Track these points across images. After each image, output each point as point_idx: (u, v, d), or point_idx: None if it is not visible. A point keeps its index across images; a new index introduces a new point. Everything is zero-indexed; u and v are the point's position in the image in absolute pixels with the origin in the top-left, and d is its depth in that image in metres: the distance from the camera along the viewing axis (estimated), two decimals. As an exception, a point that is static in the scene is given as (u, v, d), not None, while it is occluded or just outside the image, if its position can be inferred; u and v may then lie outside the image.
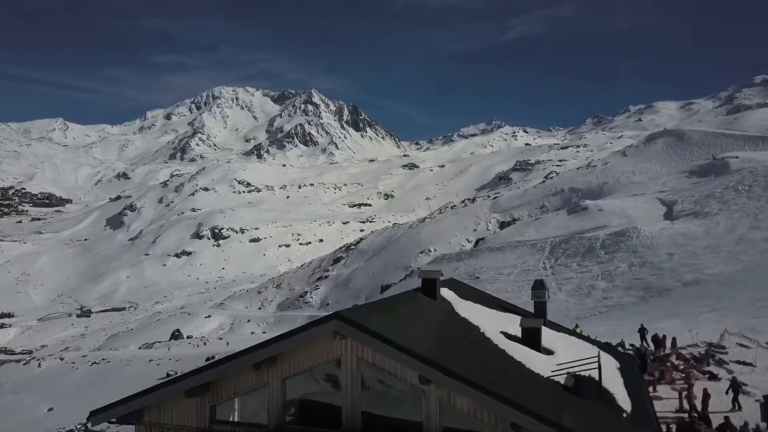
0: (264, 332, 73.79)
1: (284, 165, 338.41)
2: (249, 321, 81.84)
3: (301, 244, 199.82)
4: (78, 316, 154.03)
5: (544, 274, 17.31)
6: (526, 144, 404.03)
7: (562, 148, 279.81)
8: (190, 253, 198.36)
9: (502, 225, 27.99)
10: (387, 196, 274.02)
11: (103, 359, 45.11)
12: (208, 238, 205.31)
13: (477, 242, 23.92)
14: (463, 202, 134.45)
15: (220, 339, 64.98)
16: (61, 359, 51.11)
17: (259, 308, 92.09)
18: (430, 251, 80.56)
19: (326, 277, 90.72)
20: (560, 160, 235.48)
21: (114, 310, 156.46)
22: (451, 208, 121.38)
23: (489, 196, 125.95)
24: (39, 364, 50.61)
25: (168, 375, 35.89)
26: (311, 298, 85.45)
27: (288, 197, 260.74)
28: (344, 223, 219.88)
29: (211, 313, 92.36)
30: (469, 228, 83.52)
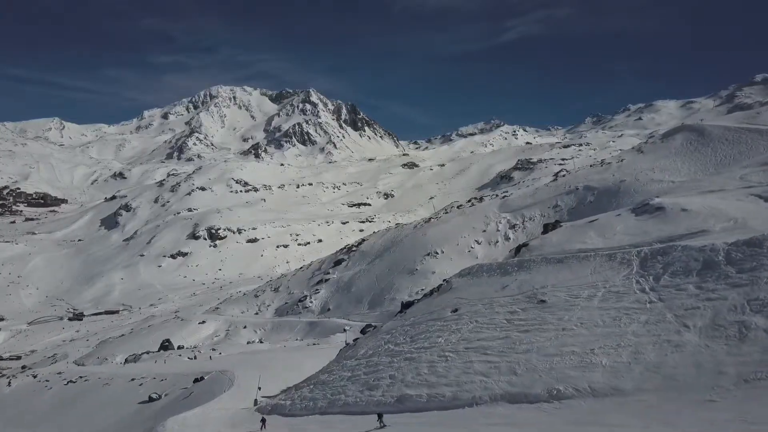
0: (261, 340, 69.35)
1: (282, 164, 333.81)
2: (245, 327, 77.38)
3: (299, 244, 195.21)
4: (69, 319, 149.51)
5: (645, 300, 12.63)
6: (527, 143, 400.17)
7: (564, 146, 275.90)
8: (186, 254, 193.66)
9: (546, 228, 24.10)
10: (387, 196, 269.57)
11: (81, 377, 40.53)
12: (205, 239, 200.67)
13: (519, 249, 19.87)
14: (469, 201, 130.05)
15: (213, 350, 60.49)
16: (34, 377, 46.47)
17: (256, 313, 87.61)
18: (437, 253, 76.27)
19: (327, 280, 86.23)
20: (563, 159, 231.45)
21: (107, 313, 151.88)
22: (458, 207, 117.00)
23: (497, 195, 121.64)
24: (9, 383, 45.99)
25: (150, 398, 31.42)
26: (311, 302, 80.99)
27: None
28: (343, 223, 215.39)
29: (205, 318, 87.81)
30: (478, 229, 79.16)
